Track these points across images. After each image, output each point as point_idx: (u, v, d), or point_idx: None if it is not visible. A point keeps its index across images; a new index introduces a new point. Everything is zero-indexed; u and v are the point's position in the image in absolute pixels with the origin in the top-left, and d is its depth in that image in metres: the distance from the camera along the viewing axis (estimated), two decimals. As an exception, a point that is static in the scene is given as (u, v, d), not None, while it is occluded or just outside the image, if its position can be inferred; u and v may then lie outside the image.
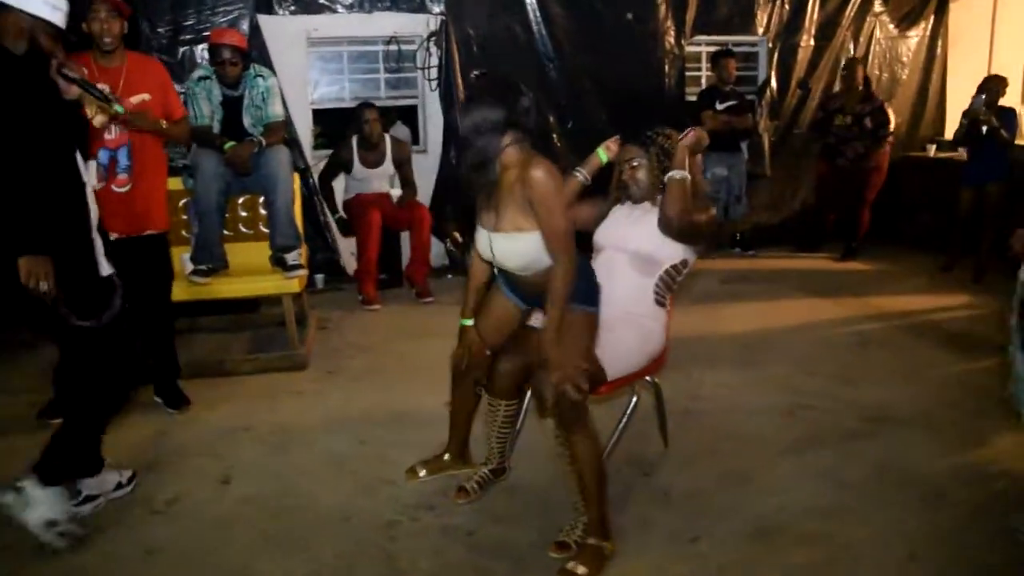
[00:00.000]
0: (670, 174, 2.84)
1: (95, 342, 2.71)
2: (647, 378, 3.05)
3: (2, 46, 2.61)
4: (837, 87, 7.28)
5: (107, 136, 3.53)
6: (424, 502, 2.97)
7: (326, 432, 3.61)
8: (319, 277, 6.32)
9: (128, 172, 3.57)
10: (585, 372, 2.50)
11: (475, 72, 6.30)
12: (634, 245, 2.88)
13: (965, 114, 6.14)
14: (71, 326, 2.63)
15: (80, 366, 2.80)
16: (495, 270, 2.86)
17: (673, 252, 2.88)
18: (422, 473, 3.14)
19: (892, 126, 6.88)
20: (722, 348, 4.64)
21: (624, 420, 2.97)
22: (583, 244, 2.82)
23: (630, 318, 2.83)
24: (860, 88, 6.81)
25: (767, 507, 2.87)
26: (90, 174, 3.39)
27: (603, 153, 3.06)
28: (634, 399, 3.00)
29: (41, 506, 2.64)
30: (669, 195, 2.81)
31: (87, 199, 2.71)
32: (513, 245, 2.57)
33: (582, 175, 3.06)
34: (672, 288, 2.93)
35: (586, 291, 2.67)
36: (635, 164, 2.93)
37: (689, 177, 2.83)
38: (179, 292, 4.17)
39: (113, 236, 3.49)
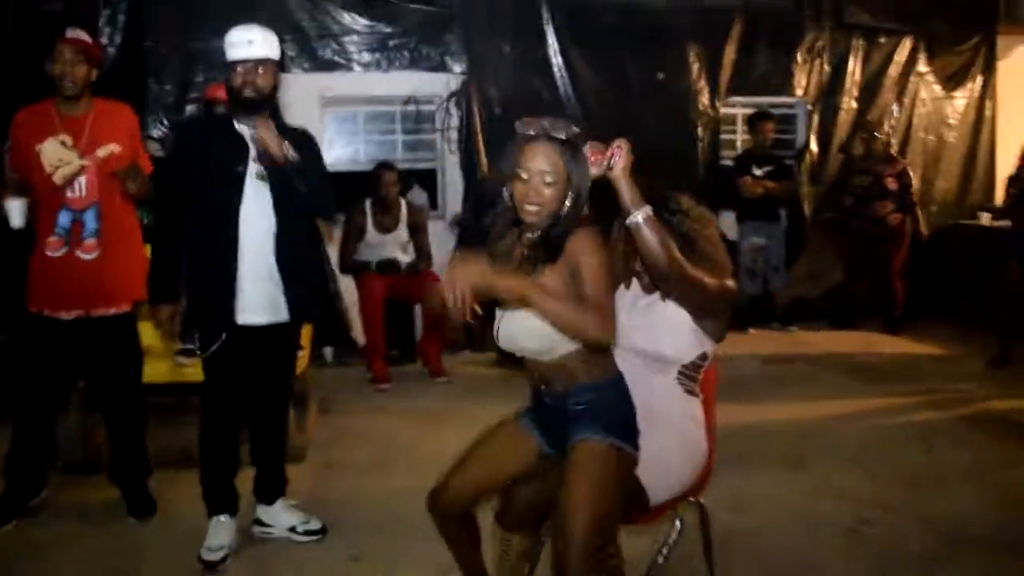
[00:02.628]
0: (631, 217, 2.14)
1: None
2: (691, 499, 2.57)
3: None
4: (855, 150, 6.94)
5: (69, 194, 3.11)
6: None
7: (316, 544, 3.14)
8: (328, 350, 5.93)
9: (96, 236, 3.15)
10: (608, 534, 2.08)
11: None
12: (641, 344, 2.37)
13: (1012, 181, 5.62)
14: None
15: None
16: (526, 410, 2.37)
17: (686, 348, 2.38)
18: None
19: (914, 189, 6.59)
20: (765, 444, 4.13)
21: (665, 553, 2.48)
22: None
23: (665, 421, 2.35)
24: (881, 150, 6.55)
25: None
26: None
27: None
28: (676, 525, 2.51)
29: (279, 519, 3.17)
30: (643, 242, 2.14)
31: None
32: (536, 321, 2.06)
33: None
34: (696, 379, 2.45)
35: (622, 423, 2.18)
36: None
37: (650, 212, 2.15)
38: (159, 374, 3.79)
39: (72, 315, 3.13)
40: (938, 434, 4.26)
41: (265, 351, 3.02)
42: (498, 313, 2.24)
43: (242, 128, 2.88)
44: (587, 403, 2.16)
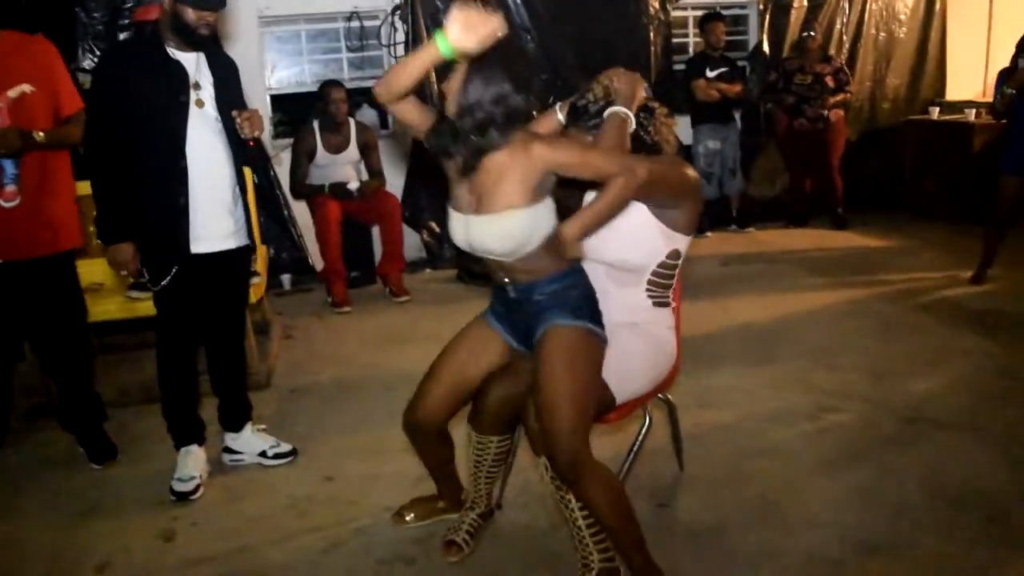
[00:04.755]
0: (611, 109, 2.19)
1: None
2: (659, 395, 2.59)
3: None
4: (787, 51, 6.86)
5: None
6: (402, 554, 2.51)
7: (288, 467, 3.13)
8: (285, 278, 5.84)
9: (16, 182, 2.90)
10: (583, 425, 2.08)
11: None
12: (608, 254, 2.31)
13: (1005, 80, 4.78)
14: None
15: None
16: (490, 308, 2.39)
17: (655, 249, 2.32)
18: (409, 518, 2.65)
19: (851, 87, 6.65)
20: (729, 343, 4.19)
21: (635, 448, 2.50)
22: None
23: (634, 328, 2.33)
24: (817, 50, 6.52)
25: (810, 544, 2.42)
26: None
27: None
28: (646, 422, 2.54)
29: (248, 445, 3.15)
30: (603, 134, 2.16)
31: None
32: (501, 224, 2.08)
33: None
34: (669, 285, 2.41)
35: (589, 306, 2.20)
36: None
37: (633, 120, 2.21)
38: (111, 311, 3.71)
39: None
40: (896, 324, 4.34)
41: (219, 278, 2.93)
42: (455, 215, 2.20)
43: (178, 55, 2.72)
44: (551, 294, 2.16)
